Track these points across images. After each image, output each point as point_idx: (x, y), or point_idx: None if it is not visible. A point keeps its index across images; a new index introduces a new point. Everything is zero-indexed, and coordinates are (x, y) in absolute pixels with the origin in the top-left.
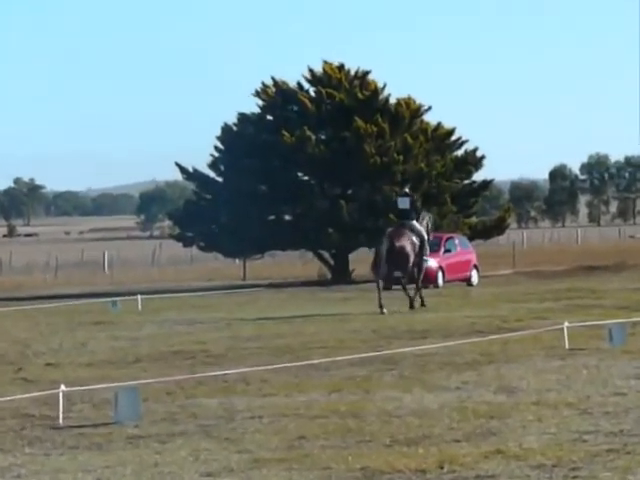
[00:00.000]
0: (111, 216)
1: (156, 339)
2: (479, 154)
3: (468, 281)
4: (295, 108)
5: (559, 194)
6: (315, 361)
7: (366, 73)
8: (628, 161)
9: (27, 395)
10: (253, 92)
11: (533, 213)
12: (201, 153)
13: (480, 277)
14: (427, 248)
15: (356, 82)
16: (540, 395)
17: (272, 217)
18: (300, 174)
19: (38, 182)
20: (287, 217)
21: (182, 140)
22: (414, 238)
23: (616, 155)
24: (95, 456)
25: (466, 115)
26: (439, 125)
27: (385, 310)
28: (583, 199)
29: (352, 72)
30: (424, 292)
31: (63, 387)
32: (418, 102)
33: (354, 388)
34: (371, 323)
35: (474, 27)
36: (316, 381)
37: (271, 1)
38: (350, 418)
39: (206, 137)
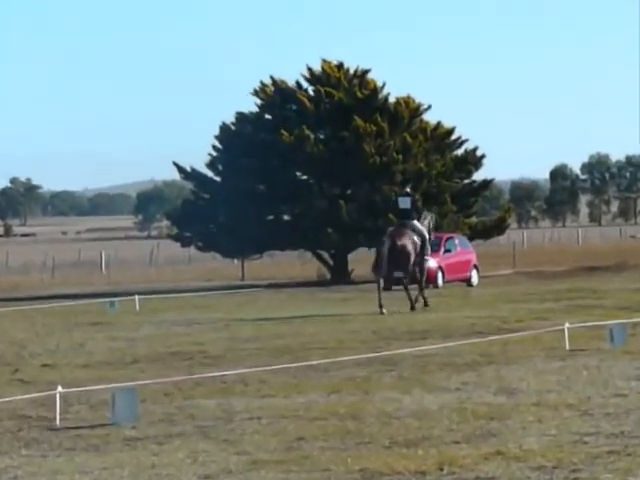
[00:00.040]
0: (108, 216)
1: (154, 340)
2: (479, 153)
3: (468, 281)
4: (294, 107)
5: (560, 194)
6: (314, 362)
7: (365, 72)
8: (629, 160)
9: (24, 396)
10: (251, 91)
11: (534, 213)
12: (199, 152)
13: (480, 277)
14: (429, 248)
15: (355, 81)
16: (540, 396)
17: (271, 217)
18: (299, 174)
19: (35, 182)
20: (286, 217)
21: (180, 139)
22: (415, 238)
23: (617, 155)
24: (92, 458)
25: (466, 114)
26: (439, 124)
27: (385, 310)
28: (584, 199)
29: (351, 71)
30: (426, 292)
31: (60, 388)
32: (417, 101)
33: (353, 389)
34: (371, 324)
35: (474, 26)
36: (315, 382)
37: (269, 0)
38: (349, 419)
39: (204, 136)
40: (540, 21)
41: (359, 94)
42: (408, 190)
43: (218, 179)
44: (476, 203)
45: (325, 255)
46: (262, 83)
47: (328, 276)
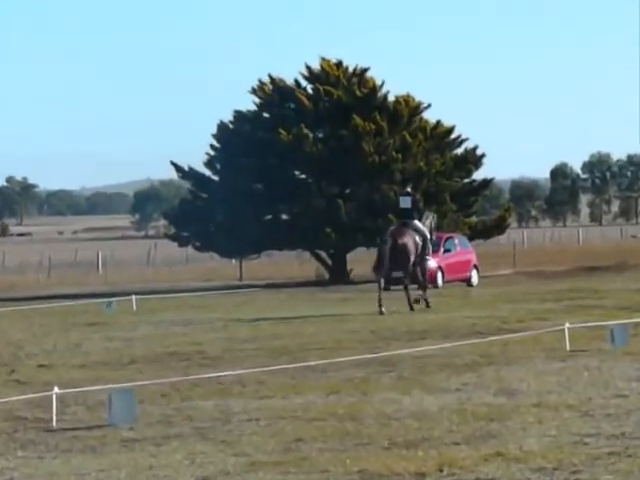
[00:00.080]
0: (105, 215)
1: (151, 340)
2: (479, 152)
3: (468, 281)
4: (292, 106)
5: (560, 193)
6: (312, 363)
7: (364, 70)
8: (630, 160)
9: (20, 397)
10: (250, 90)
11: (534, 212)
12: (197, 151)
13: (480, 277)
14: (429, 247)
15: (354, 79)
16: (541, 397)
17: (269, 216)
18: (297, 173)
19: (31, 181)
20: (284, 216)
21: (178, 138)
22: (417, 237)
23: (618, 154)
24: (89, 459)
25: (466, 114)
26: (438, 123)
27: (384, 310)
28: (584, 198)
29: (350, 69)
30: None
31: (56, 389)
32: (417, 100)
33: (352, 390)
34: (370, 324)
35: (474, 26)
36: (313, 383)
37: None
38: (348, 420)
39: (202, 135)
40: (540, 21)
41: (358, 93)
42: (409, 190)
43: (216, 178)
44: (476, 202)
45: (324, 255)
46: (260, 81)
47: (327, 276)
